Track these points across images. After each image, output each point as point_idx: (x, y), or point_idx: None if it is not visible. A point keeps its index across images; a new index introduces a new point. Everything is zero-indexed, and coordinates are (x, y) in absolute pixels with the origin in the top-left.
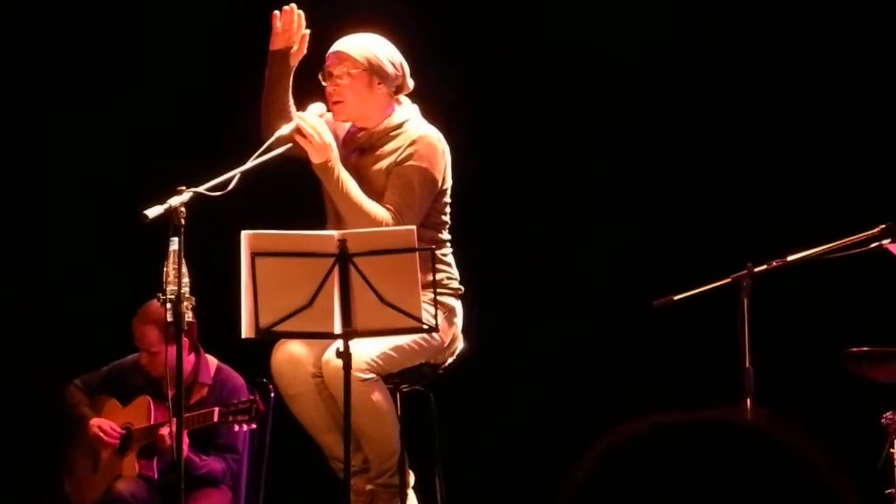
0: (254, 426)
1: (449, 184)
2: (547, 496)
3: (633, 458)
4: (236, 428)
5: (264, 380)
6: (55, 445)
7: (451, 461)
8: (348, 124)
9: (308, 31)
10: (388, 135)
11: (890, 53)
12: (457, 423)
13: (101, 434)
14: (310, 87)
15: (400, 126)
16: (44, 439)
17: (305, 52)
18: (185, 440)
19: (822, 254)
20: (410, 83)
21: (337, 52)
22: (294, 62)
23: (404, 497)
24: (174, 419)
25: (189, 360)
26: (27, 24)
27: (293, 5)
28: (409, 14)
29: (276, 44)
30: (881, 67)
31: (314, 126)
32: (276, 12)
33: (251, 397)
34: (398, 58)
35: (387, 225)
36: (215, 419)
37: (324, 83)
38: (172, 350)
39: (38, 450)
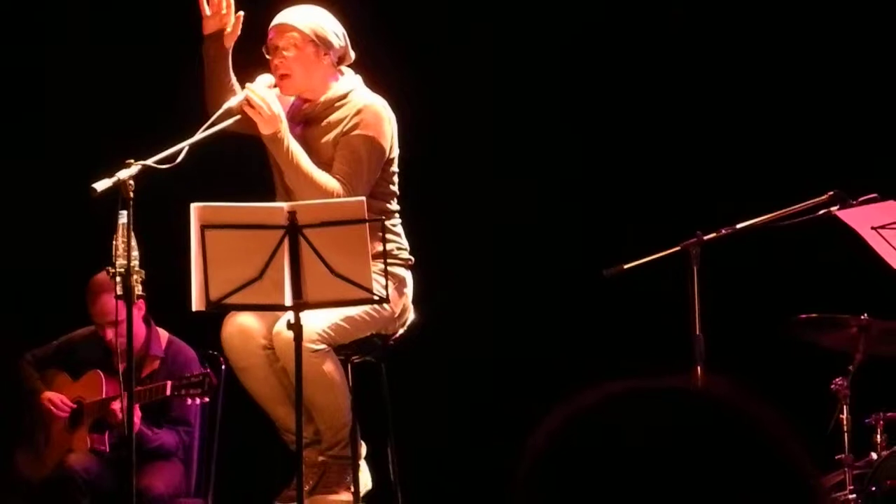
0: (206, 400)
1: (396, 152)
2: (500, 470)
3: (586, 429)
4: (189, 401)
5: (215, 352)
6: (6, 420)
7: (403, 432)
8: (292, 98)
9: (242, 13)
10: (333, 105)
11: (836, 21)
12: (408, 394)
13: (51, 407)
14: (250, 60)
15: (345, 96)
16: None
17: (239, 32)
18: (138, 414)
19: (771, 221)
20: (352, 54)
21: (281, 25)
22: (229, 43)
23: (356, 468)
24: (126, 393)
25: (140, 333)
26: None
27: None
28: None
29: (209, 28)
30: (828, 34)
31: (263, 97)
32: None
33: (204, 370)
34: (340, 28)
35: (337, 195)
36: (168, 393)
37: (268, 56)
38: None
39: None
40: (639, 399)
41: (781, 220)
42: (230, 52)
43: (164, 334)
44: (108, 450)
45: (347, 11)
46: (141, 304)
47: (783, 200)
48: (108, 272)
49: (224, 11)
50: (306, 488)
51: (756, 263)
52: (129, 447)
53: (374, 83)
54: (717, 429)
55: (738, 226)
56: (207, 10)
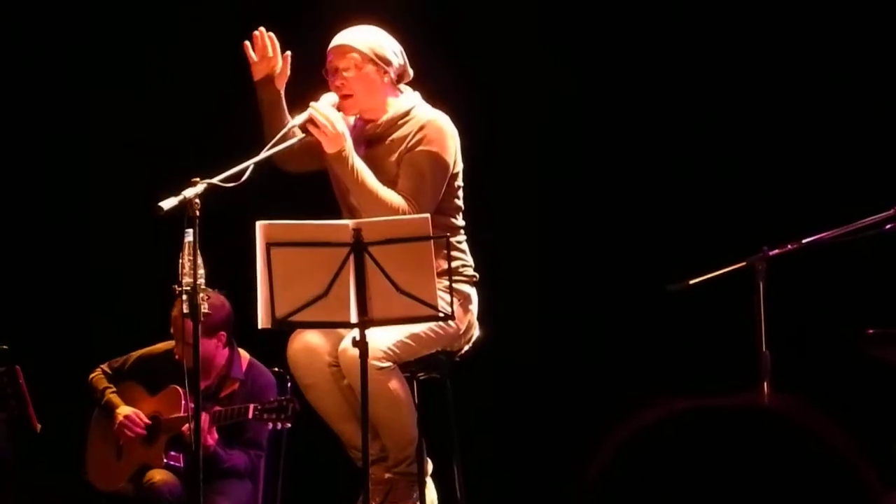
0: (288, 425)
1: (460, 167)
2: (565, 485)
3: (651, 446)
4: (270, 426)
5: (281, 370)
6: (76, 430)
7: (469, 448)
8: (352, 118)
9: (289, 53)
10: (396, 124)
11: None
12: (474, 411)
13: (128, 424)
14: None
15: (407, 113)
16: (63, 424)
17: (289, 72)
18: (215, 435)
19: (837, 236)
20: (410, 71)
21: (340, 46)
22: (280, 85)
23: (423, 485)
24: (205, 413)
25: (223, 353)
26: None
27: (262, 29)
28: (395, 3)
29: (258, 73)
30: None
31: (327, 116)
32: (247, 42)
33: (287, 396)
34: (398, 47)
35: (403, 212)
36: (249, 416)
37: (328, 79)
38: (211, 344)
39: (58, 434)
40: (705, 417)
41: (848, 235)
42: (283, 93)
43: (245, 356)
44: (182, 466)
45: (402, 29)
46: (222, 336)
47: (849, 215)
48: (174, 291)
49: (271, 55)
50: None
51: (823, 279)
52: (196, 463)
53: (432, 99)
54: (784, 448)
55: (805, 241)
56: (254, 56)
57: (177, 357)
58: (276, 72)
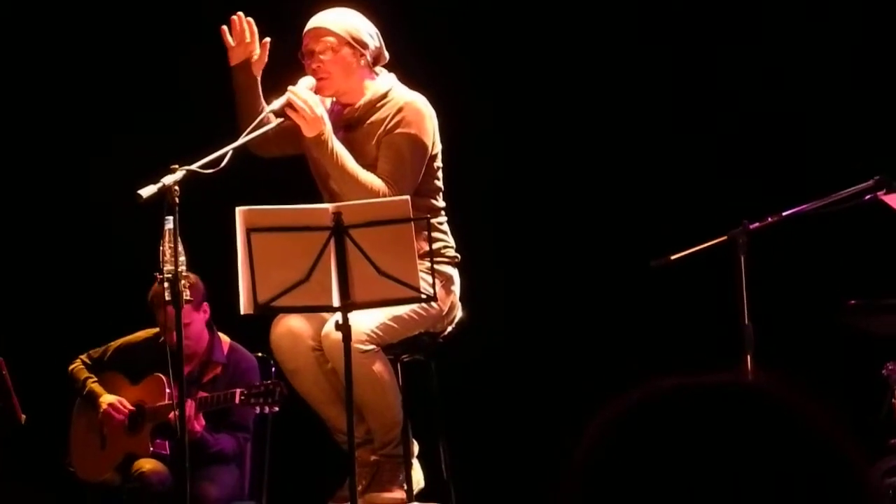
0: (276, 409)
1: (439, 148)
2: (551, 465)
3: (636, 425)
4: (258, 410)
5: (264, 355)
6: (58, 421)
7: (454, 429)
8: (329, 102)
9: (268, 39)
10: (374, 106)
11: (874, 7)
12: (458, 392)
13: (112, 412)
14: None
15: (385, 96)
16: (47, 414)
17: (266, 59)
18: (201, 421)
19: (817, 208)
20: (386, 54)
21: (316, 29)
22: (258, 71)
23: (409, 467)
24: (191, 399)
25: (203, 338)
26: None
27: (240, 14)
28: None
29: (235, 58)
30: (867, 20)
31: (305, 99)
32: (225, 27)
33: (273, 380)
34: (374, 29)
35: (383, 195)
36: (236, 401)
37: (304, 62)
38: (196, 317)
39: (41, 425)
40: (687, 396)
41: (827, 207)
42: (259, 79)
43: (226, 340)
44: (168, 453)
45: (378, 11)
46: (206, 307)
47: (828, 187)
48: (156, 278)
49: (248, 40)
50: (359, 488)
51: (803, 251)
52: (183, 450)
53: (409, 81)
54: (765, 424)
55: (784, 213)
56: (232, 41)
57: (161, 340)
58: (253, 57)
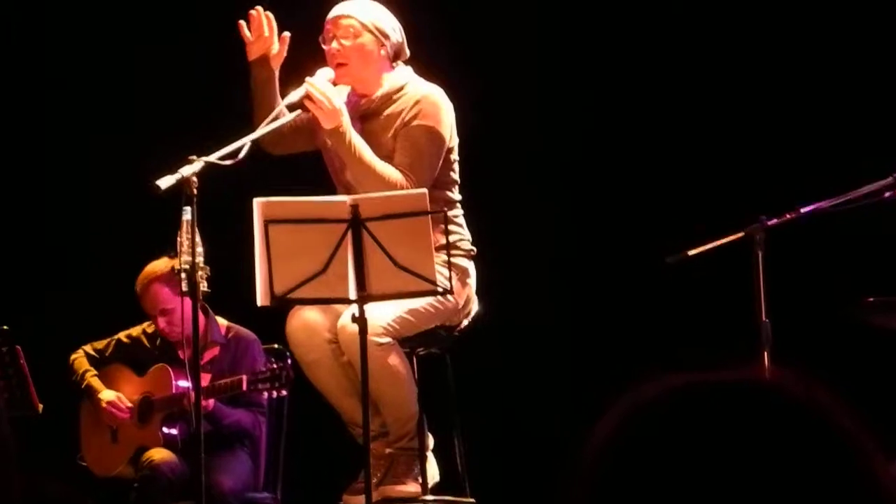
0: (284, 393)
1: (456, 141)
2: (565, 461)
3: (647, 423)
4: (266, 395)
5: (280, 347)
6: (67, 417)
7: (469, 423)
8: (346, 94)
9: (287, 33)
10: (391, 98)
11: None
12: (474, 385)
13: (112, 410)
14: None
15: (402, 88)
16: (56, 409)
17: (286, 53)
18: (211, 401)
19: (835, 205)
20: (407, 51)
21: (340, 16)
22: (276, 65)
23: (423, 460)
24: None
25: (198, 322)
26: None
27: (258, 8)
28: None
29: (253, 53)
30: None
31: (323, 91)
32: (242, 22)
33: (280, 363)
34: (397, 24)
35: (400, 187)
36: (244, 388)
37: (325, 46)
38: (187, 303)
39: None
40: (700, 392)
41: (846, 204)
42: (277, 73)
43: (222, 322)
44: (179, 443)
45: (402, 7)
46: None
47: (847, 183)
48: (173, 269)
49: (267, 34)
50: (374, 481)
51: (821, 247)
52: (198, 440)
53: (427, 73)
54: (781, 421)
55: (802, 210)
56: (250, 36)
57: (159, 328)
58: (272, 52)
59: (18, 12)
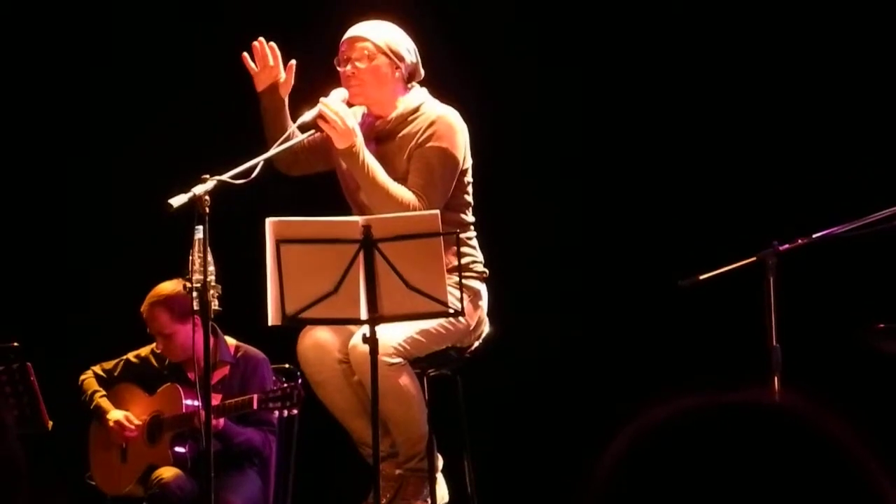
0: (295, 412)
1: (470, 163)
2: (575, 482)
3: (660, 443)
4: (276, 414)
5: (291, 367)
6: (77, 435)
7: (480, 444)
8: (360, 113)
9: (294, 61)
10: (405, 119)
11: None
12: (484, 407)
13: (119, 430)
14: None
15: (417, 109)
16: (66, 429)
17: (293, 81)
18: (221, 421)
19: (848, 231)
20: (422, 71)
21: (355, 37)
22: (284, 93)
23: (433, 481)
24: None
25: (198, 344)
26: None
27: (261, 39)
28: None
29: (261, 83)
30: None
31: (336, 111)
32: (246, 54)
33: (291, 383)
34: (412, 45)
35: (413, 208)
36: (255, 407)
37: (339, 68)
38: (187, 330)
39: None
40: (712, 414)
41: (859, 230)
42: (286, 101)
43: (231, 341)
44: (189, 463)
45: (417, 28)
46: (197, 321)
47: (859, 209)
48: (184, 287)
49: (272, 64)
50: (383, 501)
51: (832, 273)
52: (208, 460)
53: (442, 96)
54: (790, 445)
55: (815, 235)
56: (255, 66)
57: (159, 350)
58: (279, 80)
59: (38, 34)
